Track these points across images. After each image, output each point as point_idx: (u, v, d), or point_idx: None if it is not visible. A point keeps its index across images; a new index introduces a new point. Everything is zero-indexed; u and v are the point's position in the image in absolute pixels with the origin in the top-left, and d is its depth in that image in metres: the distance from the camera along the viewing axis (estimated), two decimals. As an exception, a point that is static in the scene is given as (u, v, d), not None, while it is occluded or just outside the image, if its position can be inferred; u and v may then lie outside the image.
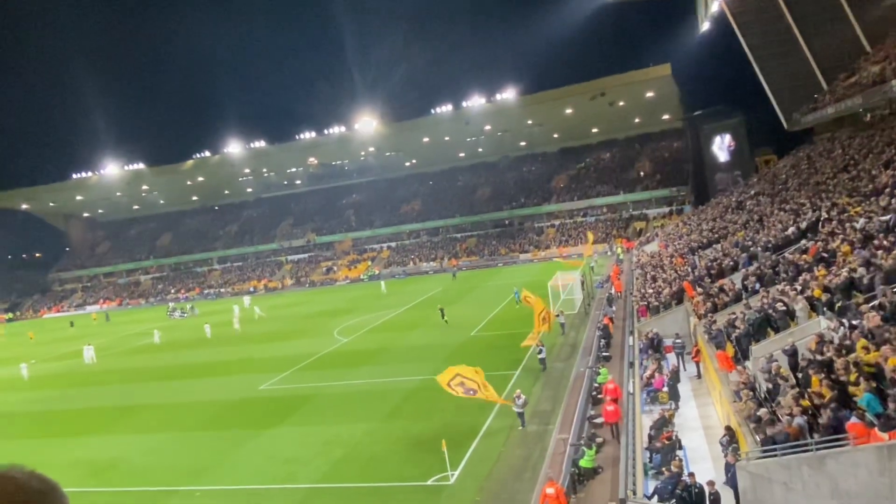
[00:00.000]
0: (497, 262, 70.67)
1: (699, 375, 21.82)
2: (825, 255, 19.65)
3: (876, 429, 10.17)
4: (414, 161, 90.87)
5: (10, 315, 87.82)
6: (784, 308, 17.58)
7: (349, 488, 16.86)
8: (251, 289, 78.71)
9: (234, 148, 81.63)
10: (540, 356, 25.11)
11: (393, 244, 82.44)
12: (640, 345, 24.62)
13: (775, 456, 11.31)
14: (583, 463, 15.24)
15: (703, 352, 21.13)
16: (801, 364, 14.13)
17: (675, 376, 20.37)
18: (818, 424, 11.43)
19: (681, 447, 15.59)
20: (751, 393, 14.23)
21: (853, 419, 10.59)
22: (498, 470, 16.62)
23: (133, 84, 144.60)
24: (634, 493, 12.90)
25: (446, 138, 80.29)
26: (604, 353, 25.13)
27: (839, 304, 15.41)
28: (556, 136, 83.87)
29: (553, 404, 20.97)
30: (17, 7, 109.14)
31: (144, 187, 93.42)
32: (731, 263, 27.39)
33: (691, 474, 12.88)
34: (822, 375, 12.61)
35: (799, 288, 18.27)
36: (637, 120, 78.47)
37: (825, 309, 15.98)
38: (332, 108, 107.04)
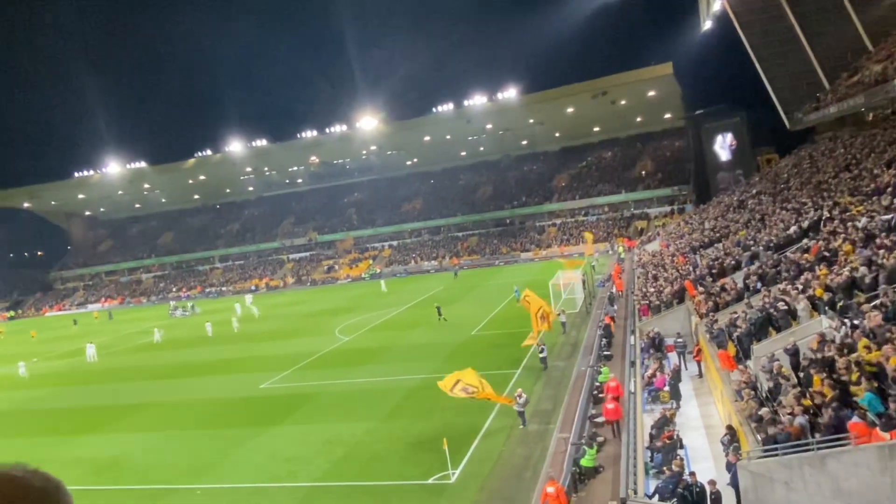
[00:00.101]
0: (498, 261, 70.65)
1: (700, 375, 21.81)
2: (827, 254, 19.63)
3: (877, 428, 10.18)
4: (415, 160, 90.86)
5: (12, 313, 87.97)
6: (786, 307, 17.56)
7: (350, 487, 16.86)
8: (253, 287, 78.74)
9: (235, 147, 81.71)
10: (541, 355, 25.11)
11: (394, 243, 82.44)
12: (641, 344, 24.59)
13: (776, 455, 11.30)
14: (584, 462, 15.24)
15: (704, 351, 21.12)
16: (803, 363, 14.12)
17: (676, 375, 20.35)
18: (820, 424, 11.42)
19: (682, 446, 15.59)
20: (752, 392, 14.22)
21: (854, 419, 10.59)
22: (499, 469, 16.62)
23: (135, 83, 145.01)
24: (635, 493, 12.90)
25: (448, 137, 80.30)
26: (605, 353, 25.10)
27: (841, 304, 15.41)
28: (557, 134, 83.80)
29: (554, 403, 20.96)
30: (19, 6, 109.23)
31: (146, 186, 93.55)
32: (733, 262, 27.38)
33: (692, 473, 12.86)
34: (824, 375, 12.60)
35: (800, 287, 18.26)
36: (639, 119, 78.38)
37: (827, 308, 15.98)
38: (333, 107, 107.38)
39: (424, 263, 75.41)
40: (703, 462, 15.05)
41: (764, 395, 14.33)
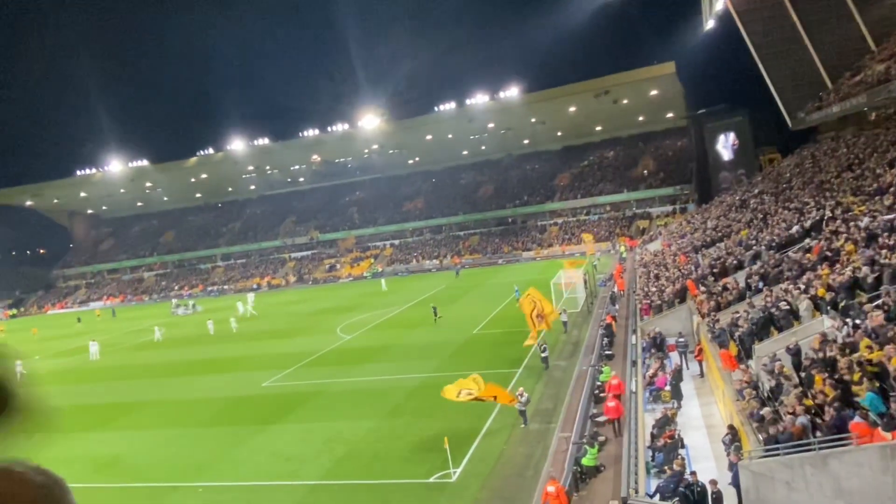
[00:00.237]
0: (500, 261, 70.64)
1: (702, 374, 21.77)
2: (829, 254, 19.59)
3: (879, 428, 10.16)
4: (417, 159, 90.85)
5: (14, 311, 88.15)
6: (787, 307, 17.53)
7: (351, 485, 16.89)
8: (254, 286, 78.82)
9: (237, 145, 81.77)
10: (543, 355, 25.10)
11: (396, 242, 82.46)
12: (642, 343, 24.58)
13: (778, 455, 11.28)
14: (585, 461, 15.24)
15: (706, 350, 21.09)
16: (805, 363, 14.10)
17: (677, 375, 20.32)
18: (821, 424, 11.41)
19: (683, 446, 15.57)
20: (754, 392, 14.21)
21: (856, 418, 10.57)
22: (500, 468, 16.63)
23: (137, 81, 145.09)
24: (636, 492, 12.90)
25: (449, 136, 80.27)
26: (606, 352, 25.11)
27: (843, 304, 15.38)
28: (559, 133, 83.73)
29: (555, 403, 20.97)
30: (21, 4, 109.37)
31: (148, 184, 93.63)
32: (735, 262, 27.33)
33: (693, 473, 12.85)
34: (826, 375, 12.59)
35: (802, 287, 18.23)
36: (641, 118, 78.27)
37: (829, 308, 15.95)
38: (335, 106, 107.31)
39: (426, 262, 75.43)
40: (705, 462, 15.03)
41: (765, 394, 14.32)
